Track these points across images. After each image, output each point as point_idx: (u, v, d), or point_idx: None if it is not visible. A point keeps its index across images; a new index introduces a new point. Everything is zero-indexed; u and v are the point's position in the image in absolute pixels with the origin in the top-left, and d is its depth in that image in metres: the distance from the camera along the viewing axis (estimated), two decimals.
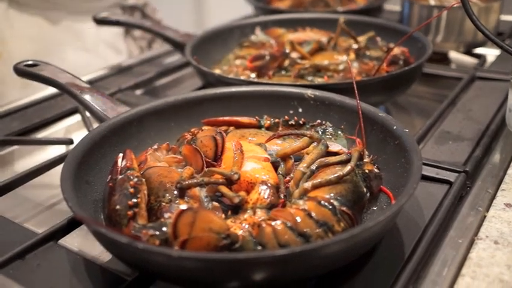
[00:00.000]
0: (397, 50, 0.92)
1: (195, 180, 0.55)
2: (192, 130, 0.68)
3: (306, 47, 0.98)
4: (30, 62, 0.77)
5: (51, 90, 0.97)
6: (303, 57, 0.95)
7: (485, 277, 0.50)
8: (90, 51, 1.29)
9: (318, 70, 0.91)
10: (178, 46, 1.05)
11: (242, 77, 0.90)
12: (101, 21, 1.12)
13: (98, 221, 0.55)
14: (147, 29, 1.10)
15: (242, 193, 0.55)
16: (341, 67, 0.92)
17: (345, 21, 1.01)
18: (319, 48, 0.99)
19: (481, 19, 0.74)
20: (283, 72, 0.92)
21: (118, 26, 1.17)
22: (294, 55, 0.94)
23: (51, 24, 1.22)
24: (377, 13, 1.34)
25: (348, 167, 0.55)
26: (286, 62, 0.93)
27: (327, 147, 0.60)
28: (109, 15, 1.12)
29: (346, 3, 1.41)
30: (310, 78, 0.89)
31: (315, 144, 0.61)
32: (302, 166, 0.58)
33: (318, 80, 0.88)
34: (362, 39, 1.02)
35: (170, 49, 1.18)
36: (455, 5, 1.03)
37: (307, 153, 0.62)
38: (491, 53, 1.17)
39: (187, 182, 0.54)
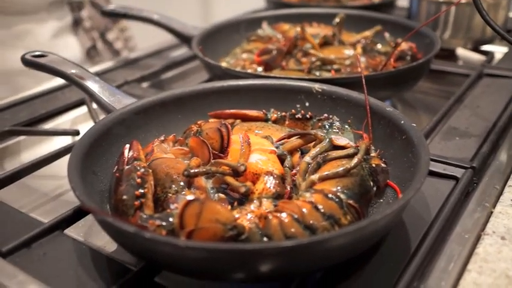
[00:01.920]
0: (404, 46, 0.92)
1: (203, 169, 0.55)
2: (199, 122, 0.68)
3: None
4: (38, 53, 0.77)
5: (57, 81, 0.97)
6: (312, 48, 0.95)
7: (491, 272, 0.50)
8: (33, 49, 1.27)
9: (324, 63, 0.91)
10: (185, 39, 1.04)
11: (249, 71, 0.90)
12: (108, 14, 1.12)
13: (104, 210, 0.55)
14: (155, 22, 1.10)
15: (248, 183, 0.55)
16: (348, 62, 0.92)
17: (343, 18, 1.01)
18: (326, 43, 0.99)
19: (490, 16, 0.74)
20: (292, 63, 0.92)
21: (126, 19, 1.17)
22: (306, 45, 0.94)
23: None
24: (388, 9, 1.33)
25: (355, 160, 0.55)
26: (295, 51, 0.93)
27: (331, 143, 0.60)
28: (116, 8, 1.13)
29: None
30: (317, 73, 0.89)
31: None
32: (307, 158, 0.58)
33: (325, 75, 0.88)
34: (369, 33, 1.02)
35: (176, 42, 1.18)
36: (463, 1, 1.03)
37: (313, 147, 0.62)
38: (499, 50, 1.17)
39: (194, 170, 0.54)
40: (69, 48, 1.30)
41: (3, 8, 1.19)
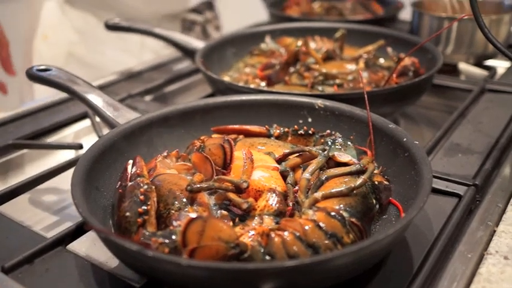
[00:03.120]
0: (407, 61, 0.92)
1: (205, 185, 0.55)
2: (202, 138, 0.68)
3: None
4: (42, 67, 0.77)
5: (61, 94, 0.98)
6: (315, 62, 0.95)
7: None
8: (131, 54, 1.32)
9: (326, 78, 0.91)
10: (188, 53, 1.05)
11: (252, 85, 0.91)
12: (112, 27, 1.13)
13: (107, 228, 0.55)
14: (157, 36, 1.11)
15: (250, 199, 0.55)
16: (350, 77, 0.92)
17: (343, 34, 1.02)
18: (328, 57, 0.99)
19: (492, 31, 0.74)
20: (295, 78, 0.92)
21: (129, 32, 1.18)
22: (309, 60, 0.95)
23: (98, 21, 1.30)
24: (390, 23, 1.34)
25: (361, 180, 0.55)
26: (298, 66, 0.94)
27: (326, 158, 0.61)
28: (120, 21, 1.13)
29: (361, 12, 1.41)
30: (320, 88, 0.89)
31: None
32: (306, 174, 0.59)
33: (328, 90, 0.88)
34: (371, 47, 1.02)
35: (179, 56, 1.19)
36: (465, 17, 1.03)
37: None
38: (501, 65, 1.17)
39: (197, 186, 0.54)
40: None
41: (119, 10, 1.24)
